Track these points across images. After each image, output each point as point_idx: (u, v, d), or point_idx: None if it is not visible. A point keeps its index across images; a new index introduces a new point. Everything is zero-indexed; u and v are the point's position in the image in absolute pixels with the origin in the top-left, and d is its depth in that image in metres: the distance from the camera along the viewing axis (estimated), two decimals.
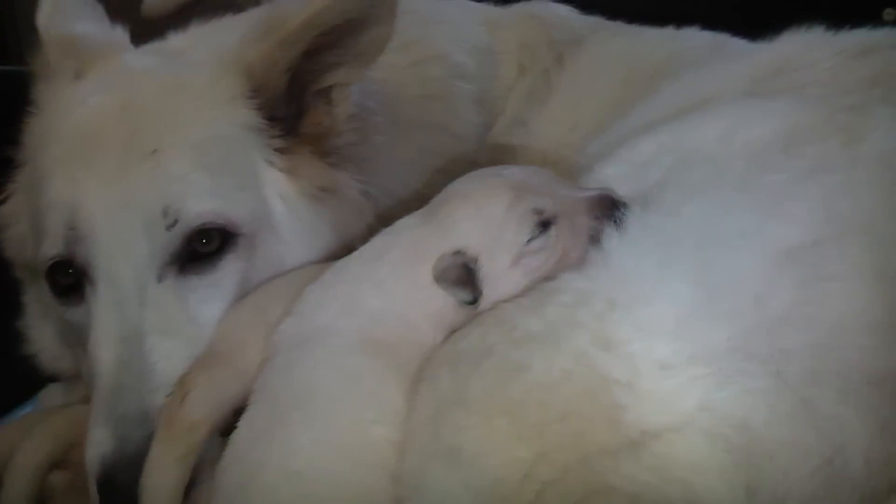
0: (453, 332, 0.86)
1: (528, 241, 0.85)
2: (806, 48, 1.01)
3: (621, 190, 0.86)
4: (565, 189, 0.90)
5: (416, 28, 1.24)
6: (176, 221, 0.94)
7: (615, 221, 0.82)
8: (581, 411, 0.72)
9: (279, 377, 0.84)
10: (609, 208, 0.84)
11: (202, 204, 0.96)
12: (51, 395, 1.24)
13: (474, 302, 0.85)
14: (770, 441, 0.67)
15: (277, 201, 1.03)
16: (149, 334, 0.92)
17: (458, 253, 0.86)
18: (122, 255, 0.93)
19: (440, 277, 0.85)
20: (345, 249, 1.01)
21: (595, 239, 0.83)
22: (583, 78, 1.32)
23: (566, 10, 1.44)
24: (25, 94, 1.12)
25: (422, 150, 1.22)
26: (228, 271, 0.98)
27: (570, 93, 1.31)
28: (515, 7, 1.45)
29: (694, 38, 1.30)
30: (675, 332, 0.72)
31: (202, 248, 0.96)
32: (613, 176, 0.90)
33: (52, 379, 1.25)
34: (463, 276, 0.85)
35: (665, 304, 0.74)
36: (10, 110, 1.10)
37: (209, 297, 0.97)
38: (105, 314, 0.93)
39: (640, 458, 0.69)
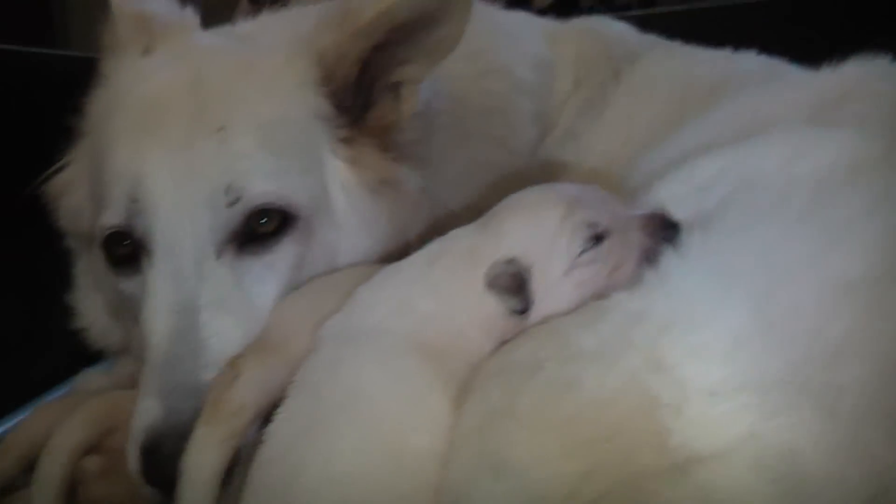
0: (503, 343, 0.86)
1: (581, 252, 0.86)
2: (869, 78, 1.01)
3: (680, 211, 0.86)
4: (619, 206, 0.90)
5: (482, 38, 1.25)
6: (238, 199, 0.96)
7: (668, 241, 0.83)
8: (629, 432, 0.72)
9: (324, 373, 0.85)
10: (662, 228, 0.85)
11: (265, 184, 0.97)
12: (87, 381, 1.26)
13: (524, 311, 0.86)
14: (815, 476, 0.67)
15: (338, 189, 1.05)
16: (204, 309, 0.93)
17: (511, 261, 0.86)
18: (183, 227, 0.95)
19: (492, 284, 0.86)
20: (400, 245, 1.03)
21: (647, 257, 0.84)
22: (638, 94, 1.32)
23: (624, 27, 1.45)
24: (76, 77, 1.13)
25: (478, 161, 1.24)
26: (285, 253, 0.99)
27: (624, 108, 1.32)
28: (574, 21, 1.47)
29: (751, 62, 1.30)
30: (727, 358, 0.72)
31: (260, 227, 0.98)
32: (672, 196, 0.90)
33: (96, 357, 1.27)
34: (514, 284, 0.86)
35: (719, 330, 0.74)
36: (62, 93, 1.12)
37: (264, 277, 0.98)
38: (161, 285, 0.95)
39: (684, 483, 0.69)
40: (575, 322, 0.82)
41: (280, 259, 0.99)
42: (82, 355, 1.31)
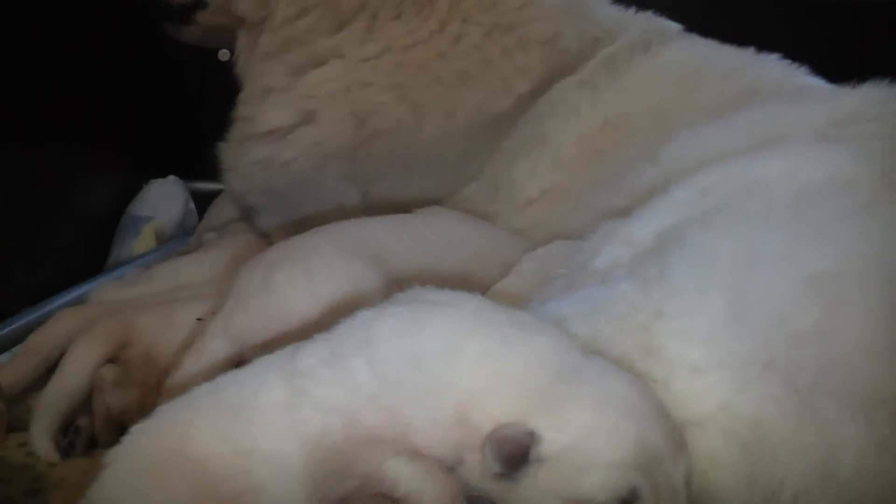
0: None
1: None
2: (882, 101, 1.08)
3: (681, 212, 0.95)
4: None
5: None
6: None
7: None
8: None
9: None
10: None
11: None
12: (101, 291, 1.35)
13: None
14: (776, 440, 0.77)
15: None
16: None
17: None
18: None
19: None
20: None
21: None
22: (661, 72, 1.38)
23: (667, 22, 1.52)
24: None
25: None
26: None
27: (645, 79, 1.38)
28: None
29: (774, 69, 1.35)
30: (707, 340, 0.82)
31: None
32: (682, 200, 0.98)
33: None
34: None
35: (702, 315, 0.84)
36: None
37: None
38: None
39: None
40: (576, 312, 0.90)
41: None
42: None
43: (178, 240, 1.66)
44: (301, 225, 1.34)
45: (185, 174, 1.84)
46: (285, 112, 1.39)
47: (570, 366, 0.77)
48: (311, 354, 0.81)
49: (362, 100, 1.35)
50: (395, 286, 0.97)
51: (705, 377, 0.81)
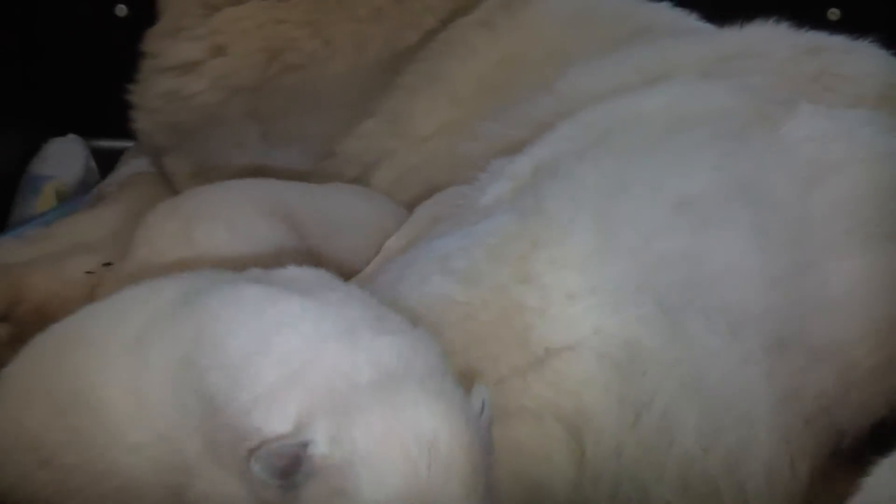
0: None
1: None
2: (765, 39, 1.11)
3: (562, 146, 0.96)
4: None
5: None
6: None
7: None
8: (497, 335, 0.84)
9: None
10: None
11: None
12: None
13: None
14: (646, 358, 0.80)
15: None
16: None
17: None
18: None
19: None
20: None
21: None
22: (556, 9, 1.39)
23: None
24: None
25: None
26: None
27: (539, 16, 1.38)
28: None
29: (665, 13, 1.38)
30: (580, 266, 0.84)
31: None
32: (565, 135, 0.99)
33: None
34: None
35: (575, 243, 0.86)
36: None
37: None
38: None
39: (542, 372, 0.82)
40: (459, 246, 0.91)
41: None
42: None
43: (79, 198, 1.63)
44: (208, 173, 1.36)
45: (86, 132, 1.80)
46: (195, 46, 1.37)
47: (392, 375, 0.68)
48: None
49: (275, 35, 1.35)
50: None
51: (579, 303, 0.82)
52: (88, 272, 1.11)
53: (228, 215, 1.07)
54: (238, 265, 0.96)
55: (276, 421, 0.66)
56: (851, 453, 0.82)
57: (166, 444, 0.73)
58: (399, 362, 0.69)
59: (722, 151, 0.89)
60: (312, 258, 1.07)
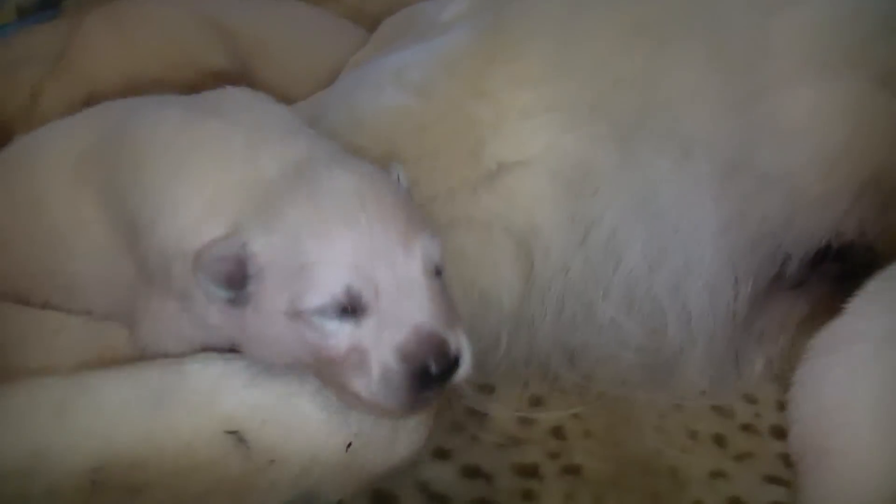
0: None
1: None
2: None
3: None
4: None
5: None
6: None
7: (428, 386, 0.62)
8: (449, 148, 0.83)
9: None
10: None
11: None
12: None
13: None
14: (598, 177, 0.80)
15: None
16: None
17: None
18: None
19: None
20: None
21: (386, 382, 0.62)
22: None
23: None
24: None
25: None
26: None
27: None
28: None
29: None
30: (536, 84, 0.83)
31: None
32: None
33: None
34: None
35: (532, 60, 0.84)
36: None
37: None
38: None
39: (495, 188, 0.82)
40: (416, 60, 0.89)
41: None
42: None
43: (41, 13, 1.58)
44: None
45: None
46: None
47: (299, 163, 0.67)
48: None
49: None
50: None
51: (533, 119, 0.82)
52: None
53: (163, 25, 1.06)
54: (171, 75, 0.95)
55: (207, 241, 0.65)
56: (795, 277, 0.84)
57: (106, 257, 0.74)
58: (304, 153, 0.68)
59: None
60: (249, 78, 1.05)
